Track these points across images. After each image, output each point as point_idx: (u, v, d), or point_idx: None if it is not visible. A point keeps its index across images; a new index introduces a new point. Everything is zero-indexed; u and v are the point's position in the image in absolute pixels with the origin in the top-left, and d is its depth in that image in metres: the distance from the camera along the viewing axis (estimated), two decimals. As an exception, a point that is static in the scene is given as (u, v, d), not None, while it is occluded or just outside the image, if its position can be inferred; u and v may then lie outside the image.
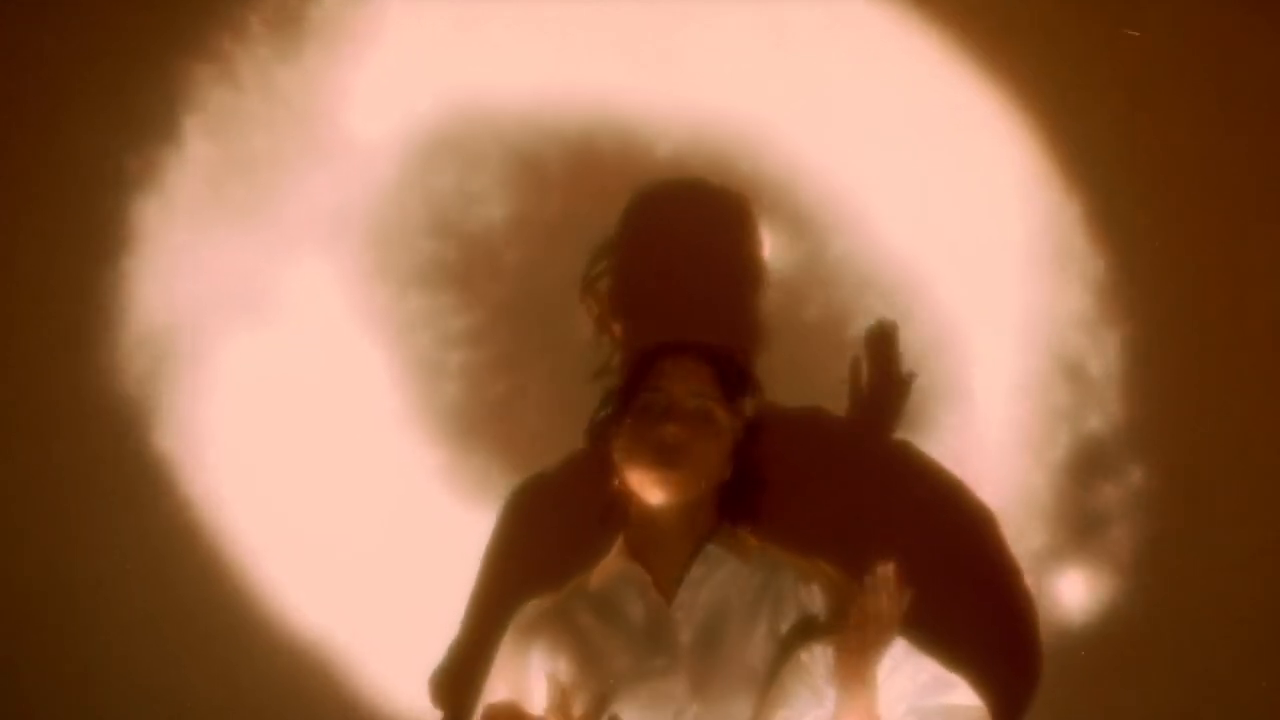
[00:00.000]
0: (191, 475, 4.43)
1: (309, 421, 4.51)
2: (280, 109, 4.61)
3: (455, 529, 4.37)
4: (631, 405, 3.05)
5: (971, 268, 4.59)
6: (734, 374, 3.11)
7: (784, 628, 2.94)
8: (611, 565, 3.05)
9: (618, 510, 3.09)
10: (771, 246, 4.46)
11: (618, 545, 3.10)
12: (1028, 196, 4.57)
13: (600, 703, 2.87)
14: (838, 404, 4.34)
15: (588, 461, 3.59)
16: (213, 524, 4.45)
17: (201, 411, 4.52)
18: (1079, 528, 4.55)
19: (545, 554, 3.71)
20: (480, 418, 4.48)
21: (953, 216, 4.57)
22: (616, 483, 3.08)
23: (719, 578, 2.97)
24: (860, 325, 4.46)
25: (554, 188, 4.53)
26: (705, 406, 2.97)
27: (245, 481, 4.46)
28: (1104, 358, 4.57)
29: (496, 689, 3.05)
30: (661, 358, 3.09)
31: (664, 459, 2.90)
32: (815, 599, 3.00)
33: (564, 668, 2.99)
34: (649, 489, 2.95)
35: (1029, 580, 4.44)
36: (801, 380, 4.27)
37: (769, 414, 3.45)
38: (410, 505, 4.44)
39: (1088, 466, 4.57)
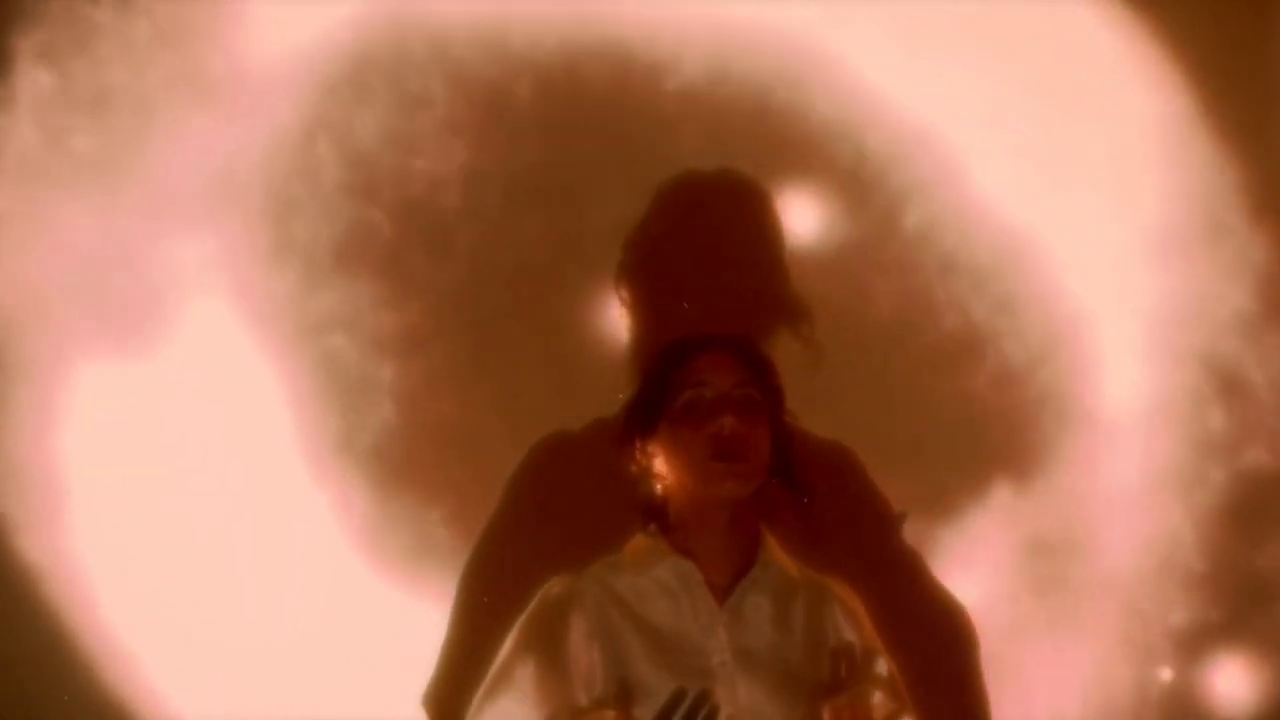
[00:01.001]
0: (40, 542, 3.97)
1: (189, 465, 4.01)
2: (144, 28, 4.11)
3: (384, 609, 3.97)
4: (672, 403, 3.09)
5: (1096, 250, 4.21)
6: (762, 364, 3.18)
7: (825, 649, 3.09)
8: (655, 558, 3.10)
9: (658, 509, 3.12)
10: (824, 216, 4.13)
11: (656, 538, 3.12)
12: (1171, 161, 4.18)
13: (636, 696, 2.97)
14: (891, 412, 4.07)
15: (593, 445, 3.39)
16: (72, 616, 3.99)
17: (45, 456, 4.00)
18: (1239, 597, 4.17)
19: (551, 542, 3.45)
20: (417, 452, 4.04)
21: (1072, 185, 4.18)
22: (657, 483, 3.11)
23: (768, 583, 3.10)
24: (945, 318, 4.12)
25: (524, 135, 4.09)
26: (750, 396, 3.08)
27: (108, 546, 3.98)
28: (1269, 368, 4.22)
29: (525, 665, 3.04)
30: (693, 354, 3.14)
31: (728, 450, 3.00)
32: (844, 629, 3.15)
33: (598, 655, 3.04)
34: (717, 484, 3.02)
35: (1168, 671, 4.10)
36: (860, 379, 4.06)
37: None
38: (324, 575, 3.99)
39: (1250, 513, 4.19)
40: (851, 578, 3.27)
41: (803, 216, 4.14)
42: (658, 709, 2.94)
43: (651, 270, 3.76)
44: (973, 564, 4.15)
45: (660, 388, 3.13)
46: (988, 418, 4.14)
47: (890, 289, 4.17)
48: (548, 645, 3.08)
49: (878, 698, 2.97)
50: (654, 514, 3.12)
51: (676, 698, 2.93)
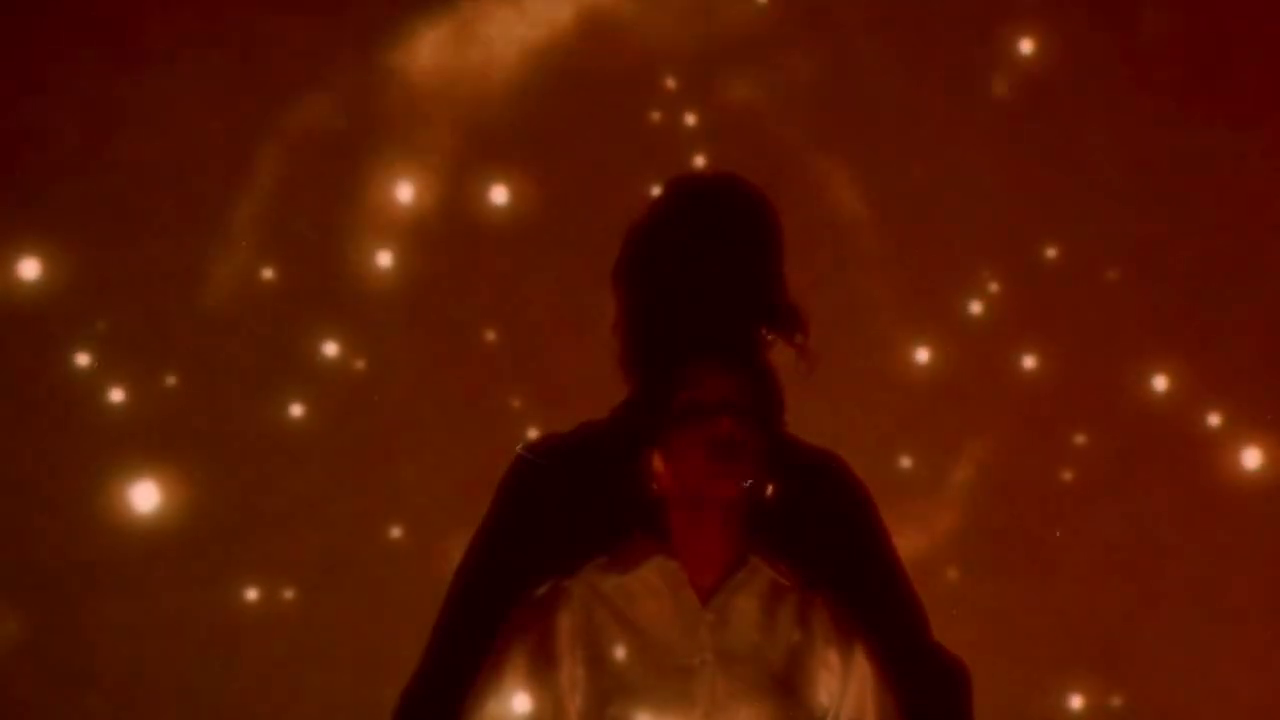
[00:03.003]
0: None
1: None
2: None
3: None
4: (673, 409, 3.14)
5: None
6: (759, 371, 3.23)
7: (813, 654, 3.14)
8: (643, 559, 3.16)
9: (652, 510, 3.16)
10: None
11: (645, 540, 3.16)
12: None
13: (616, 695, 3.03)
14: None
15: (580, 448, 3.38)
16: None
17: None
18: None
19: (540, 545, 3.37)
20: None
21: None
22: (656, 487, 3.15)
23: (755, 587, 3.15)
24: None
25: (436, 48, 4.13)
26: (746, 401, 3.12)
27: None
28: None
29: (514, 667, 3.09)
30: (692, 359, 3.19)
31: (726, 453, 3.08)
32: (853, 645, 3.18)
33: (582, 653, 3.10)
34: (716, 484, 3.09)
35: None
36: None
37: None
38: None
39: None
40: (838, 589, 3.28)
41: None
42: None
43: (648, 273, 3.61)
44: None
45: (659, 392, 3.18)
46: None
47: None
48: (536, 646, 3.13)
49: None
50: (648, 515, 3.16)
51: None
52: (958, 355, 4.49)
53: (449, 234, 4.41)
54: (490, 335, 4.46)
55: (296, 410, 4.34)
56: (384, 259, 4.36)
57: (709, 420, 3.10)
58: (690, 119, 4.42)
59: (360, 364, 4.39)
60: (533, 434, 4.00)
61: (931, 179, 4.53)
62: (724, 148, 4.33)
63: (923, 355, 4.48)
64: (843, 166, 4.47)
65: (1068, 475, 4.51)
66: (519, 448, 3.51)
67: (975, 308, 4.51)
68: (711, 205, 3.51)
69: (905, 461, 4.48)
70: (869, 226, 4.53)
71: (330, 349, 4.38)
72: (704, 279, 3.40)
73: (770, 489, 3.17)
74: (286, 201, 4.41)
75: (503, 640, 3.16)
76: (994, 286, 4.50)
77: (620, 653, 3.10)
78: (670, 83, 4.43)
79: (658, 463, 3.15)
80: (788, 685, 3.10)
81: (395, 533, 4.36)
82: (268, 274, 4.39)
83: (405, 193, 4.38)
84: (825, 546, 3.27)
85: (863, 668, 3.15)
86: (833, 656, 3.13)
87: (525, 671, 3.12)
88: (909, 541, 4.15)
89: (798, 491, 3.25)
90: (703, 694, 3.07)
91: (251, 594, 4.34)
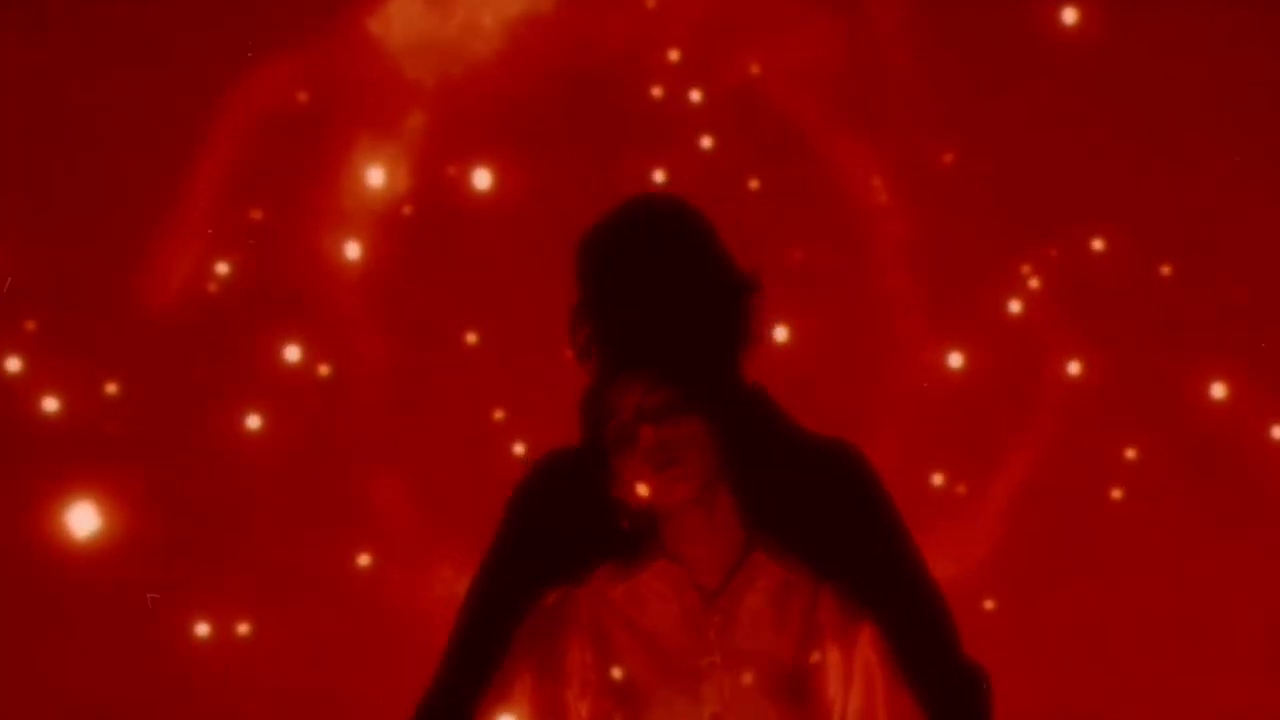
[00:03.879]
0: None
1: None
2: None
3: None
4: (607, 437, 3.24)
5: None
6: (687, 369, 3.24)
7: (818, 648, 3.23)
8: (648, 564, 3.28)
9: (647, 528, 3.25)
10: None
11: (650, 545, 3.28)
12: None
13: (625, 699, 3.17)
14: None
15: (591, 462, 3.33)
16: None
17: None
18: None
19: (550, 558, 3.36)
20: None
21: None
22: (634, 506, 3.25)
23: (761, 584, 3.24)
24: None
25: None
26: (663, 399, 3.20)
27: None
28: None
29: (522, 677, 3.24)
30: (605, 389, 3.26)
31: (656, 460, 3.17)
32: (856, 630, 3.22)
33: (591, 659, 3.23)
34: (665, 494, 3.19)
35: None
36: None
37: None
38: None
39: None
40: (851, 582, 3.30)
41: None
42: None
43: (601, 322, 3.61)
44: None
45: (592, 431, 3.28)
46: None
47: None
48: (545, 655, 3.27)
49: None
50: (642, 527, 3.25)
51: None
52: (993, 360, 4.42)
53: (425, 223, 4.40)
54: (471, 338, 4.41)
55: (253, 422, 4.28)
56: (351, 251, 4.31)
57: (634, 436, 3.20)
58: (695, 95, 4.39)
59: (324, 370, 4.33)
60: (519, 449, 4.19)
61: (964, 161, 4.48)
62: (732, 127, 4.36)
63: (955, 360, 4.42)
64: (863, 148, 4.46)
65: (1117, 493, 4.44)
66: (529, 460, 3.59)
67: (1013, 306, 4.44)
68: (634, 250, 3.49)
69: (936, 479, 4.43)
70: (893, 215, 4.48)
71: (291, 353, 4.30)
72: (648, 322, 3.42)
73: (759, 471, 3.25)
74: (241, 187, 4.35)
75: (514, 652, 3.30)
76: (1034, 282, 4.43)
77: (629, 657, 3.22)
78: (673, 55, 4.40)
79: (625, 486, 3.27)
80: (797, 683, 3.21)
81: (363, 560, 4.32)
82: (220, 268, 4.32)
83: (376, 176, 4.33)
84: (836, 538, 3.31)
85: (868, 664, 3.22)
86: (835, 653, 3.22)
87: (534, 682, 3.26)
88: (939, 570, 4.08)
89: (806, 482, 3.31)
90: (711, 695, 3.19)
91: (202, 629, 4.29)
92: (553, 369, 3.95)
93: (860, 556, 3.31)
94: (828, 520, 3.31)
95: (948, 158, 4.45)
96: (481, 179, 4.30)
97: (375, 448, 4.36)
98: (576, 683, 3.22)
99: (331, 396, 4.36)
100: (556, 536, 3.38)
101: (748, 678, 3.18)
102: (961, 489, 4.45)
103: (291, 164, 4.37)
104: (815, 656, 3.22)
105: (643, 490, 3.24)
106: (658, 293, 3.39)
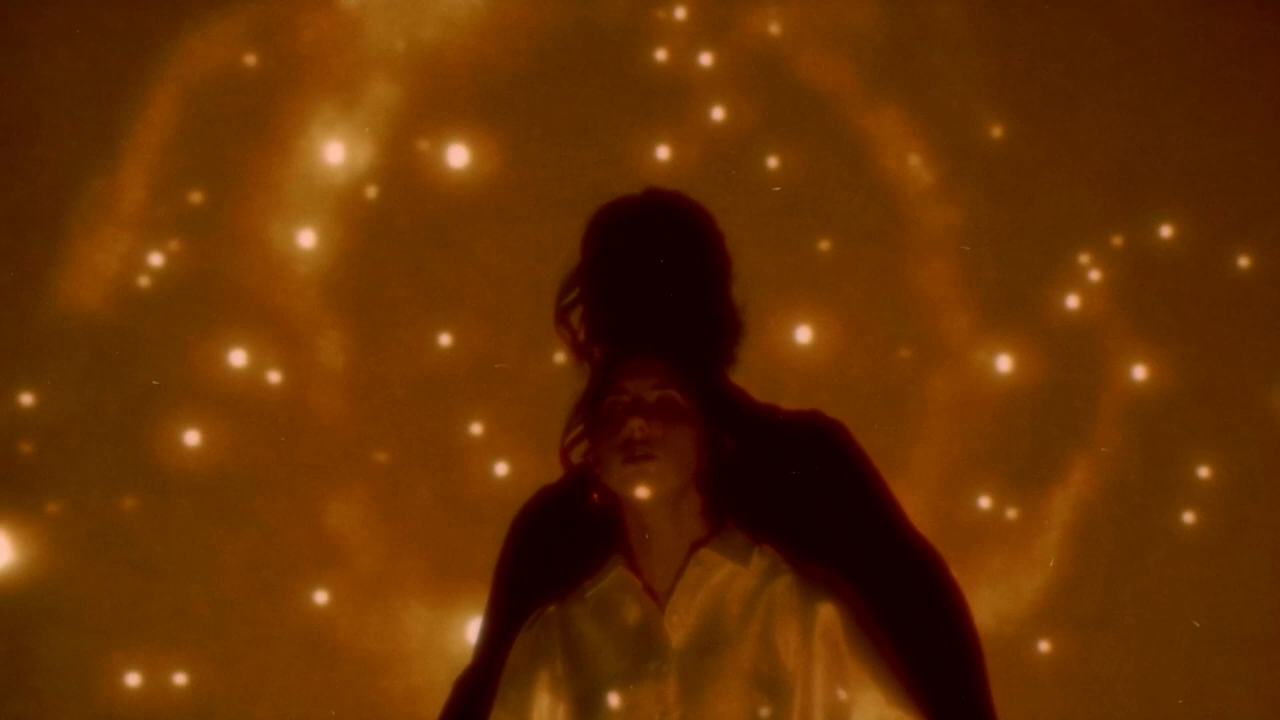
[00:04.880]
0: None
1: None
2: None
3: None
4: (598, 415, 3.50)
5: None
6: (692, 362, 3.51)
7: (777, 634, 3.43)
8: (606, 572, 3.53)
9: (610, 522, 3.51)
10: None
11: (614, 554, 3.54)
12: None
13: (589, 704, 3.40)
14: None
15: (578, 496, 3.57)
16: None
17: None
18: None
19: (556, 567, 3.60)
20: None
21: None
22: (597, 496, 3.52)
23: (714, 582, 3.44)
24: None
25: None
26: (666, 396, 3.45)
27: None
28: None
29: (506, 695, 3.53)
30: (617, 364, 3.53)
31: (636, 453, 3.40)
32: (814, 608, 3.43)
33: (558, 671, 3.49)
34: (628, 486, 3.43)
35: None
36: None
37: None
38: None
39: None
40: (839, 564, 3.44)
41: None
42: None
43: (591, 302, 3.75)
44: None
45: (589, 401, 3.50)
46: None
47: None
48: (525, 668, 3.48)
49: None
50: (607, 525, 3.44)
51: None
52: (1048, 364, 4.27)
53: (392, 207, 4.27)
54: (444, 340, 4.28)
55: (191, 439, 4.14)
56: (306, 239, 4.18)
57: (622, 422, 3.39)
58: (705, 59, 4.28)
59: (275, 377, 4.20)
60: (501, 469, 4.15)
61: (1017, 136, 4.33)
62: (748, 96, 4.26)
63: (1003, 364, 4.28)
64: (901, 121, 4.33)
65: (1190, 517, 4.30)
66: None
67: (1071, 302, 4.30)
68: (640, 230, 3.71)
69: (983, 501, 4.26)
70: (935, 198, 4.36)
71: (236, 358, 4.18)
72: (638, 298, 3.64)
73: (710, 473, 3.43)
74: (178, 166, 4.23)
75: (496, 675, 3.51)
76: (1095, 274, 4.27)
77: (596, 663, 3.41)
78: (679, 12, 4.29)
79: (594, 471, 3.47)
80: (759, 670, 3.37)
81: (319, 598, 4.18)
82: (153, 260, 4.17)
83: (335, 153, 4.21)
84: (817, 512, 3.44)
85: (832, 641, 3.33)
86: (795, 635, 3.35)
87: (513, 699, 3.46)
88: (988, 605, 4.20)
89: (777, 461, 3.46)
90: (673, 694, 3.36)
91: (131, 679, 4.17)
92: (539, 377, 4.04)
93: (844, 527, 3.45)
94: (807, 496, 3.45)
95: (998, 132, 4.30)
96: (457, 156, 4.19)
97: (333, 468, 4.26)
98: (549, 696, 3.43)
99: (283, 409, 4.20)
100: (541, 562, 3.59)
101: (708, 673, 3.36)
102: (1011, 513, 4.28)
103: (237, 138, 4.22)
104: (774, 643, 3.37)
105: (609, 475, 3.40)
106: (658, 274, 3.56)
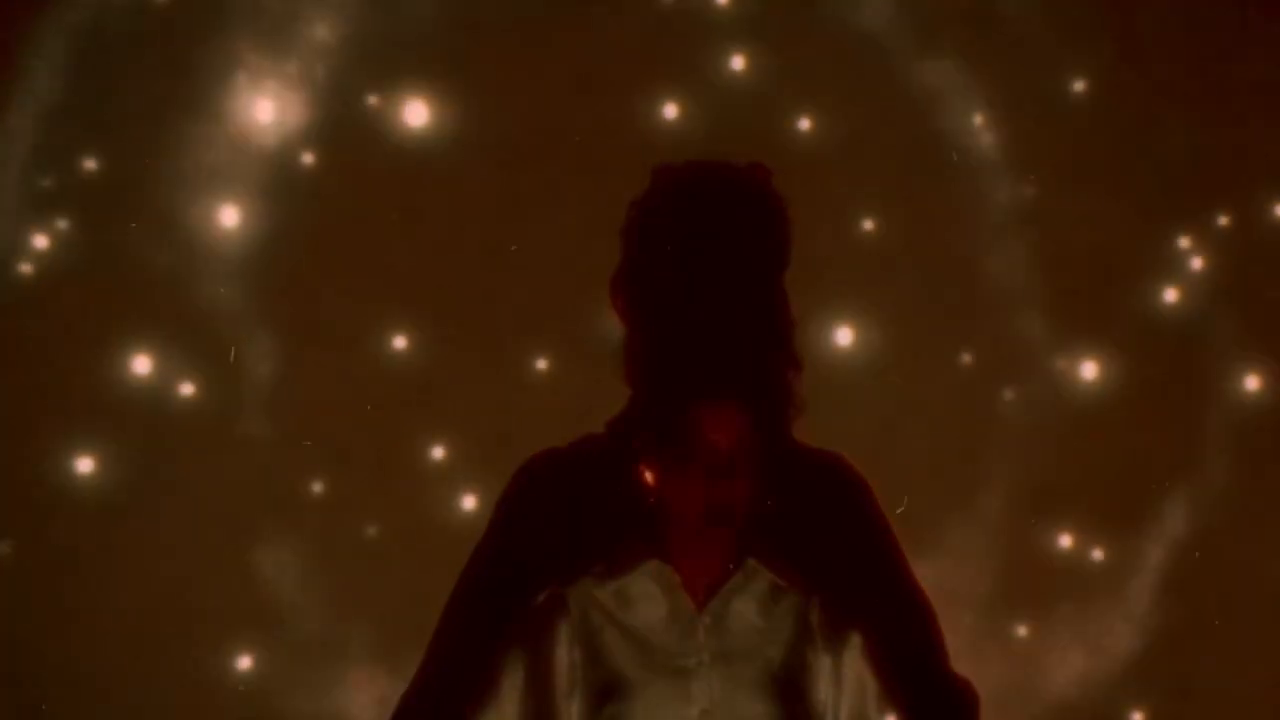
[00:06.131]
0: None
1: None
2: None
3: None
4: (669, 443, 3.36)
5: None
6: (767, 410, 3.38)
7: (808, 648, 3.42)
8: (635, 561, 3.43)
9: (654, 520, 3.41)
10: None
11: (641, 546, 3.41)
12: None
13: (607, 698, 3.37)
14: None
15: (582, 460, 3.31)
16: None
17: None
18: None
19: (541, 558, 3.31)
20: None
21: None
22: (653, 500, 3.40)
23: (753, 590, 3.43)
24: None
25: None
26: (744, 448, 3.36)
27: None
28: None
29: (510, 677, 3.40)
30: (695, 404, 3.37)
31: (717, 518, 3.34)
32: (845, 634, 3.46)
33: (579, 656, 3.42)
34: (704, 531, 3.38)
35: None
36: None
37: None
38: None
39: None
40: (840, 594, 3.32)
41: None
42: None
43: (650, 291, 3.31)
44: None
45: (667, 425, 3.32)
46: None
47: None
48: (534, 654, 3.41)
49: None
50: (645, 522, 3.35)
51: None
52: (1141, 372, 4.00)
53: (334, 178, 3.92)
54: (399, 342, 3.99)
55: (84, 465, 3.76)
56: (228, 217, 3.82)
57: (705, 480, 3.35)
58: None
59: (187, 390, 3.83)
60: (468, 503, 3.91)
61: (1101, 96, 4.02)
62: (774, 43, 3.96)
63: (1088, 371, 4.04)
64: (962, 75, 4.04)
65: None
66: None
67: (1168, 297, 4.05)
68: (718, 211, 3.35)
69: (1063, 541, 3.98)
70: (1003, 170, 4.08)
71: (140, 365, 3.82)
72: (715, 300, 3.35)
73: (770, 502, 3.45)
74: (68, 127, 3.87)
75: (500, 651, 3.43)
76: (1196, 263, 4.02)
77: (617, 656, 3.41)
78: None
79: (650, 476, 3.45)
80: (787, 684, 3.40)
81: (243, 663, 3.80)
82: (38, 242, 3.83)
83: (264, 110, 3.87)
84: (827, 549, 3.39)
85: (859, 670, 3.37)
86: (826, 658, 3.40)
87: (523, 682, 3.41)
88: (1069, 666, 4.02)
89: (800, 495, 3.41)
90: (700, 693, 3.38)
91: None
92: (517, 390, 3.90)
93: (850, 569, 3.41)
94: (819, 532, 3.41)
95: (1080, 85, 4.00)
96: (415, 114, 3.86)
97: (260, 501, 3.88)
98: (565, 683, 3.40)
99: (197, 428, 3.79)
100: (545, 535, 3.40)
101: (737, 677, 3.38)
102: (1099, 553, 4.00)
103: (143, 94, 3.82)
104: (806, 658, 3.43)
105: (694, 491, 3.31)
106: (754, 307, 3.24)
